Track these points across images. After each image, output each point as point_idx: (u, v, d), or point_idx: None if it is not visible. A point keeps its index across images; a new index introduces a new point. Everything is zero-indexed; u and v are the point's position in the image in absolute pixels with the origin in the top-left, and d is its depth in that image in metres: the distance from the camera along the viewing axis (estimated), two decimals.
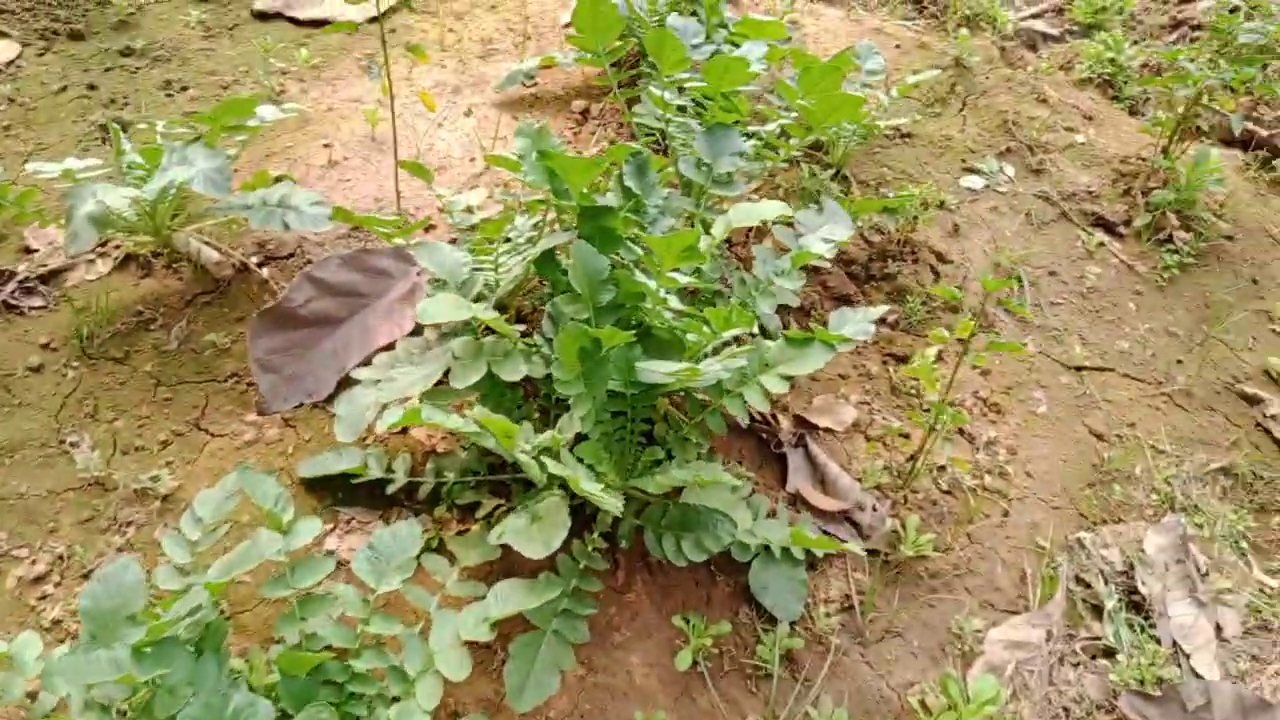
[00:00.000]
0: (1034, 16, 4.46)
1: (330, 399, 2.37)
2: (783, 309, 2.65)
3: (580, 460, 1.95)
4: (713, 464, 1.96)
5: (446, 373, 2.03)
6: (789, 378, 2.00)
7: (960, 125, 3.47)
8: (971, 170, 3.29)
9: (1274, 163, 3.75)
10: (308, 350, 2.41)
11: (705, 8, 3.11)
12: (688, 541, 1.96)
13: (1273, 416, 2.78)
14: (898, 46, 3.78)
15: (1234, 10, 4.44)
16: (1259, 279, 3.15)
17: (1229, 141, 3.85)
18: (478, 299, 2.30)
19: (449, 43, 3.60)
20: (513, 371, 1.98)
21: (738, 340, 2.29)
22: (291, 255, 2.72)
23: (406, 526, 1.76)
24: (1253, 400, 2.82)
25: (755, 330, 2.05)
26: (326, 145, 3.07)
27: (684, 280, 1.95)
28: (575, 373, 1.91)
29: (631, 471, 2.12)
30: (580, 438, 2.01)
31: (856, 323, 2.08)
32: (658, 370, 1.79)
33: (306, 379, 2.40)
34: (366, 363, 2.28)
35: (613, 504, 1.78)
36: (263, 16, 3.61)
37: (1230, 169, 3.66)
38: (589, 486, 1.73)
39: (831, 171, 3.13)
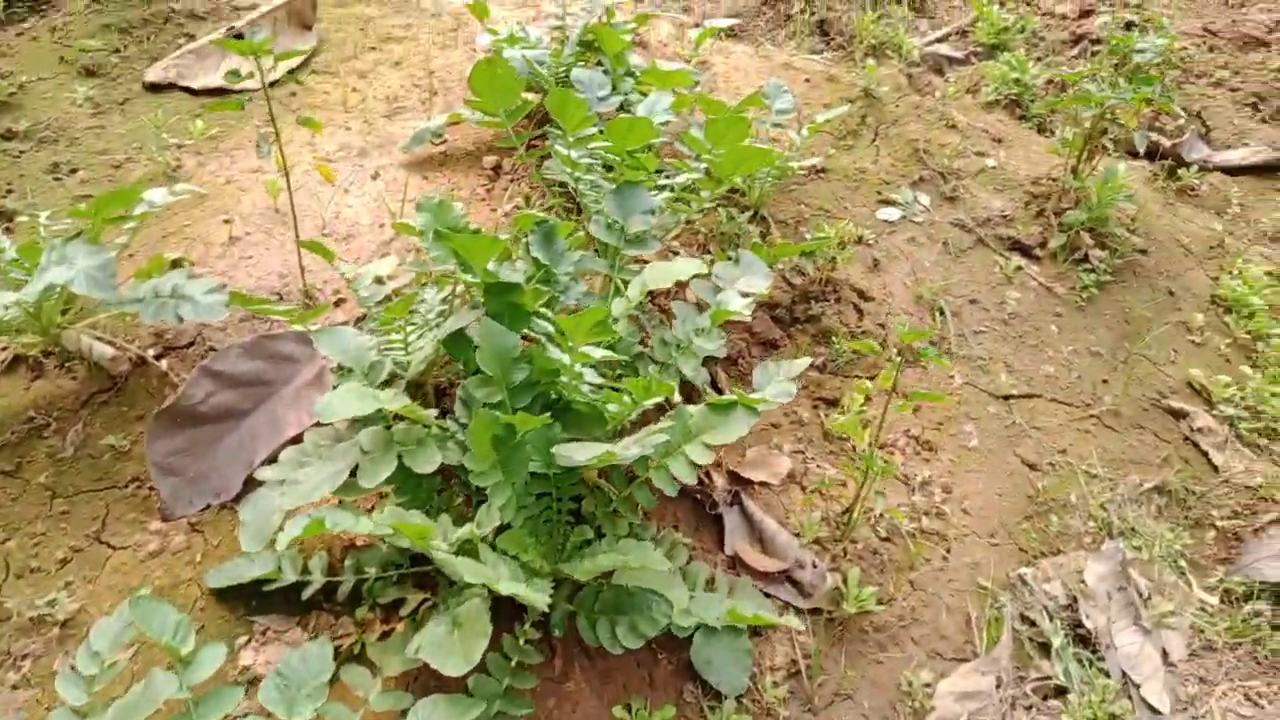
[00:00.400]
0: (939, 40, 4.53)
1: (240, 497, 2.25)
2: (709, 359, 2.61)
3: (504, 552, 1.86)
4: (643, 544, 1.88)
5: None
6: (714, 447, 1.94)
7: (873, 156, 3.48)
8: (887, 202, 3.30)
9: (1179, 171, 3.84)
10: (211, 448, 2.28)
11: (610, 58, 3.07)
12: (622, 627, 1.88)
13: (1199, 429, 2.81)
14: (807, 80, 3.79)
15: (1129, 25, 4.57)
16: (1175, 290, 3.20)
17: (1135, 153, 3.93)
18: (389, 380, 2.20)
19: (353, 103, 3.49)
20: (426, 462, 1.89)
21: (668, 402, 2.23)
22: (192, 344, 2.59)
23: (317, 648, 1.64)
24: (1179, 414, 2.84)
25: (677, 398, 1.99)
26: (227, 221, 2.94)
27: (598, 355, 1.88)
28: (490, 461, 1.83)
29: (561, 552, 2.04)
30: (504, 526, 1.92)
31: (779, 383, 2.03)
32: (574, 455, 1.71)
33: (212, 479, 2.28)
34: (273, 459, 2.16)
35: (538, 599, 1.69)
36: (155, 88, 3.46)
37: (1138, 180, 3.74)
38: (511, 587, 1.64)
39: (749, 213, 3.11)
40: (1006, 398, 2.78)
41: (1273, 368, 2.99)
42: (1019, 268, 3.13)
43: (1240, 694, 2.25)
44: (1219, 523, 2.60)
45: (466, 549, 1.85)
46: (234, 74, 2.15)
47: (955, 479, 2.54)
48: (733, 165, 2.36)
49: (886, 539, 2.37)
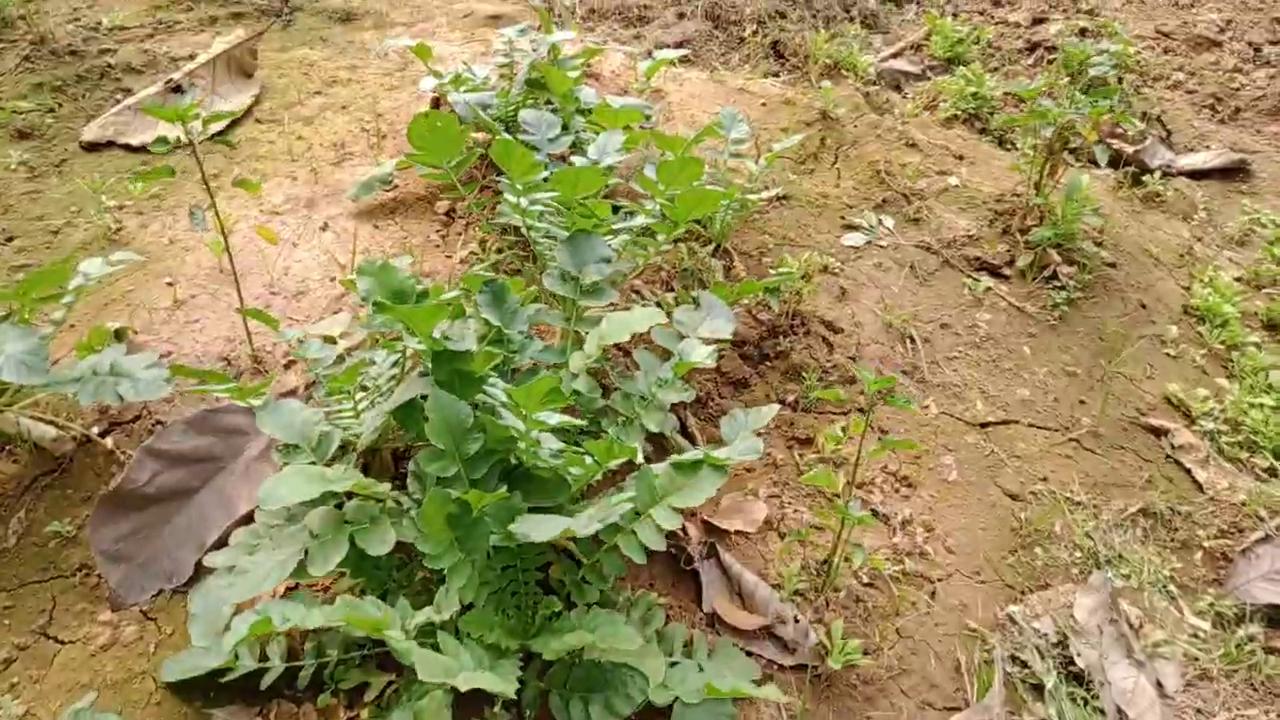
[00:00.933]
0: (894, 56, 4.50)
1: (193, 580, 2.15)
2: (678, 404, 2.52)
3: (468, 634, 1.77)
4: (613, 616, 1.79)
5: None
6: (681, 510, 1.85)
7: (835, 180, 3.43)
8: (851, 227, 3.24)
9: (1144, 178, 3.82)
10: (160, 530, 2.17)
11: (559, 98, 2.99)
12: (596, 705, 1.79)
13: (1180, 447, 2.76)
14: (763, 104, 3.74)
15: (1083, 32, 4.57)
16: (1146, 303, 3.16)
17: (1098, 162, 3.91)
18: (340, 452, 2.10)
19: (299, 151, 3.40)
20: (380, 543, 1.79)
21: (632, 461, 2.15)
22: (138, 418, 2.48)
23: None
24: (1159, 432, 2.80)
25: (640, 459, 1.90)
26: (170, 283, 2.83)
27: (554, 421, 1.79)
28: (446, 542, 1.73)
29: (530, 625, 1.94)
30: (468, 605, 1.83)
31: (746, 437, 1.96)
32: (531, 533, 1.62)
33: (163, 562, 2.17)
34: (223, 541, 2.06)
35: (504, 687, 1.60)
36: (93, 148, 3.35)
37: (1103, 190, 3.72)
38: (472, 679, 1.54)
39: (712, 247, 3.04)
40: (984, 425, 2.72)
41: (1249, 378, 2.96)
42: (988, 288, 3.08)
43: None
44: (1206, 543, 2.55)
45: (428, 632, 1.76)
46: (161, 140, 2.05)
47: (936, 515, 2.47)
48: (687, 209, 2.29)
49: (870, 585, 2.29)
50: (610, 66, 4.01)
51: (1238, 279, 3.41)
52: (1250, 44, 5.04)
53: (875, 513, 2.45)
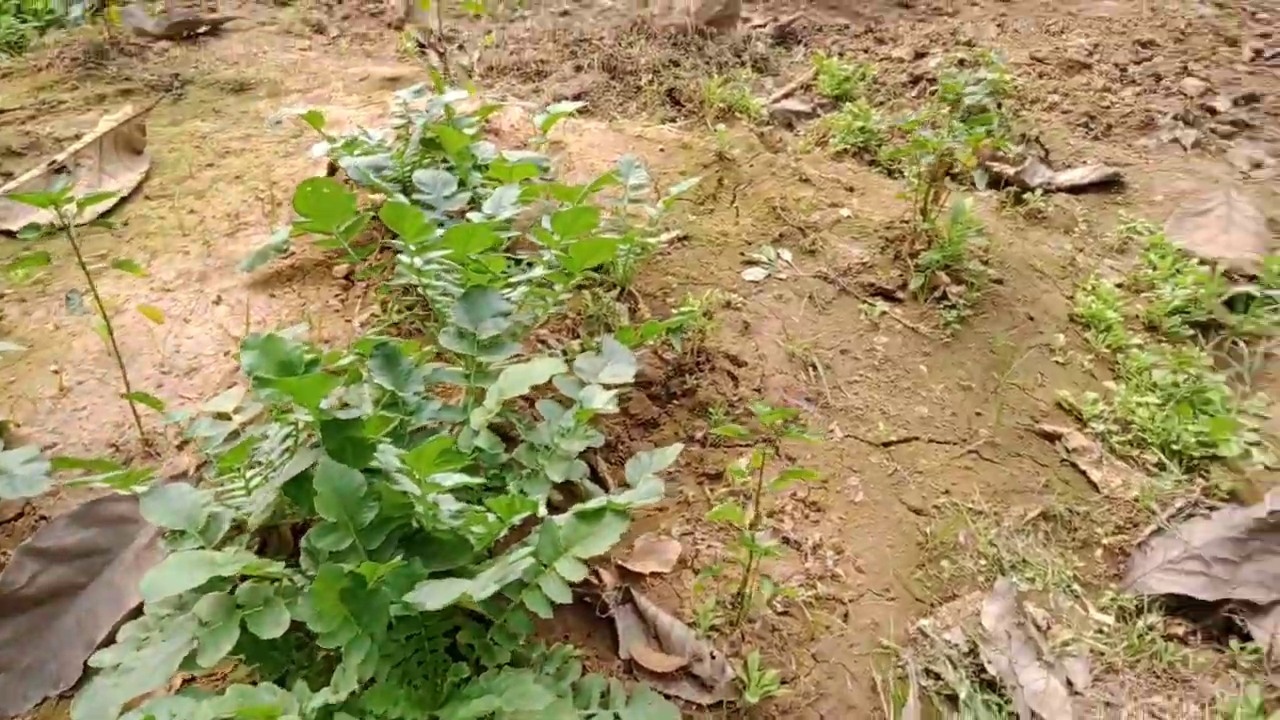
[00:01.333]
0: (785, 97, 4.65)
1: (83, 682, 2.05)
2: (588, 449, 2.53)
3: (370, 713, 1.72)
4: (522, 676, 1.77)
5: None
6: (587, 560, 1.85)
7: (734, 218, 3.51)
8: (751, 262, 3.31)
9: (1025, 196, 4.01)
10: (43, 633, 2.08)
11: (454, 155, 3.01)
12: None
13: (1074, 449, 2.87)
14: (661, 150, 3.82)
15: (961, 63, 4.80)
16: (1034, 315, 3.30)
17: (977, 184, 4.09)
18: (233, 533, 2.04)
19: (190, 225, 3.34)
20: (274, 625, 1.74)
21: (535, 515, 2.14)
22: (21, 514, 2.37)
23: None
24: (1053, 437, 2.90)
25: (543, 511, 1.90)
26: (56, 371, 2.73)
27: (450, 483, 1.78)
28: (340, 619, 1.70)
29: (439, 693, 1.90)
30: (371, 681, 1.78)
31: (648, 480, 1.97)
32: (426, 601, 1.60)
33: (48, 666, 2.07)
34: (112, 638, 1.97)
35: None
36: None
37: (987, 211, 3.88)
38: None
39: (616, 291, 3.07)
40: (886, 445, 2.79)
41: (1134, 378, 3.10)
42: (884, 313, 3.18)
43: (1145, 713, 2.26)
44: (1105, 540, 2.64)
45: (327, 714, 1.71)
46: (33, 227, 2.00)
47: (846, 537, 2.51)
48: (582, 258, 2.32)
49: (785, 613, 2.31)
50: (510, 121, 4.05)
51: (1119, 285, 3.58)
52: (1117, 65, 5.37)
53: (787, 540, 2.48)
